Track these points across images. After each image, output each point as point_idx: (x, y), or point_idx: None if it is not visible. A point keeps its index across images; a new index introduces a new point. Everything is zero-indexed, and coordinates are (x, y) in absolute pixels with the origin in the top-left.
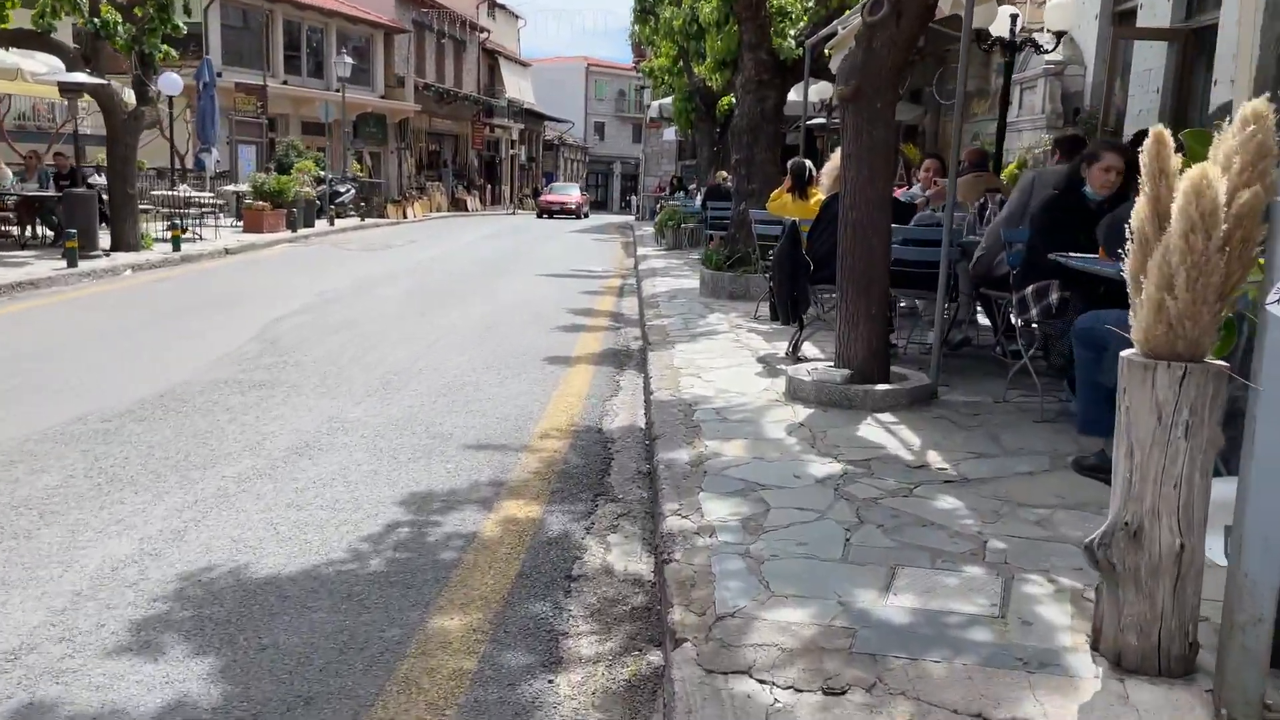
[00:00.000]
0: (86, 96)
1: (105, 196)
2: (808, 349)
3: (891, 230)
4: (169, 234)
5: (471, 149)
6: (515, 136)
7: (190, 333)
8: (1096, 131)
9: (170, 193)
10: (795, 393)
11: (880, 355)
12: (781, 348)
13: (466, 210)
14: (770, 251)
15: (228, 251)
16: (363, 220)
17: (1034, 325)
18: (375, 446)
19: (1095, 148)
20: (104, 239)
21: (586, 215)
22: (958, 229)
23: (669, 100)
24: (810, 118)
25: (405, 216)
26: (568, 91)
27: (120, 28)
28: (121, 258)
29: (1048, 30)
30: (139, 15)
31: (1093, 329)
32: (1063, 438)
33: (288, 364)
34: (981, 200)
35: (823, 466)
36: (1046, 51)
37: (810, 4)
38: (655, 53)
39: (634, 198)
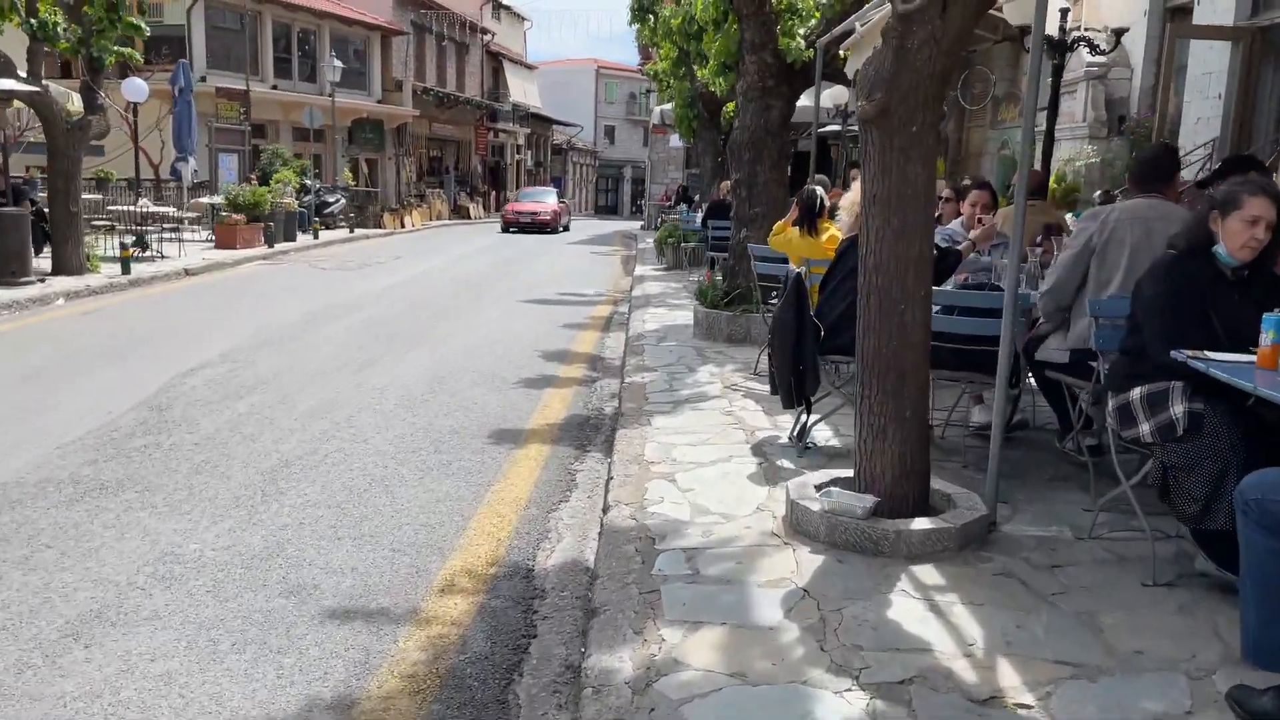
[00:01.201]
0: (16, 103)
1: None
2: (820, 431)
3: (932, 296)
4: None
5: (475, 154)
6: (521, 141)
7: (74, 390)
8: (1150, 140)
9: (128, 208)
10: (800, 524)
11: (917, 475)
12: (785, 423)
13: (469, 218)
14: (773, 297)
15: (187, 273)
16: (351, 232)
17: (1147, 445)
18: (195, 619)
19: (1235, 190)
20: (48, 262)
21: (565, 228)
22: (1023, 293)
23: (671, 106)
24: (823, 124)
25: (402, 226)
26: (578, 94)
27: (62, 29)
28: (59, 284)
29: (1105, 27)
30: (88, 15)
31: (1276, 501)
32: (1198, 623)
33: (160, 448)
34: (1039, 240)
35: (838, 701)
36: (1103, 51)
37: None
38: (658, 55)
39: (644, 203)
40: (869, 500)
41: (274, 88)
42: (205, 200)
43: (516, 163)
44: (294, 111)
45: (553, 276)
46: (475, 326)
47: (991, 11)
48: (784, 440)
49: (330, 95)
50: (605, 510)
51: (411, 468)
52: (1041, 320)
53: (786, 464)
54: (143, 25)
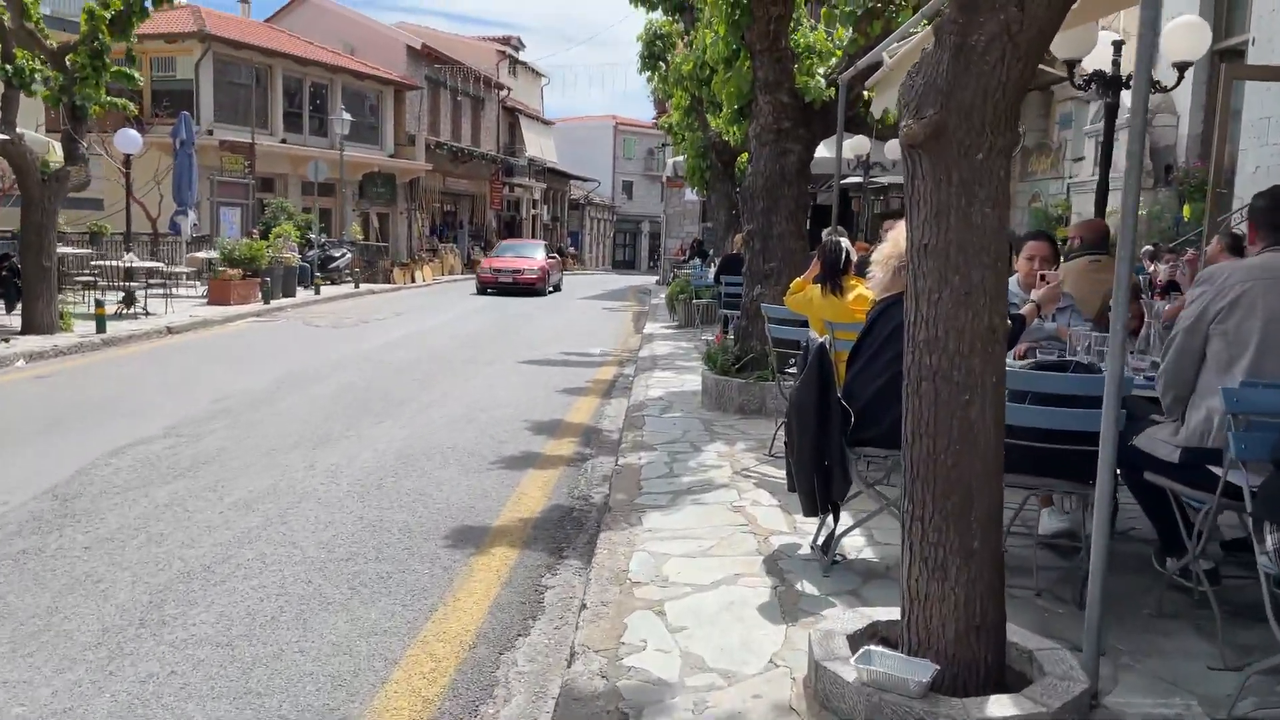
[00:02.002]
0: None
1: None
2: (853, 539)
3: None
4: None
5: (490, 209)
6: (537, 196)
7: None
8: (1206, 193)
9: (111, 263)
10: (828, 697)
11: (990, 630)
12: (806, 526)
13: None
14: (790, 364)
15: (170, 331)
16: (356, 287)
17: None
18: None
19: None
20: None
21: (556, 288)
22: (1126, 375)
23: (683, 159)
24: (844, 175)
25: (412, 281)
26: (596, 150)
27: (40, 76)
28: (25, 343)
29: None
30: (72, 63)
31: None
32: None
33: (42, 553)
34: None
35: None
36: (1165, 89)
37: (847, 36)
38: (670, 105)
39: (660, 257)
40: (925, 670)
41: (283, 141)
42: (201, 255)
43: (532, 217)
44: (303, 165)
45: (558, 334)
46: (463, 393)
47: None
48: (805, 550)
49: (339, 148)
50: (570, 659)
51: (341, 583)
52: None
53: (809, 588)
54: (135, 74)
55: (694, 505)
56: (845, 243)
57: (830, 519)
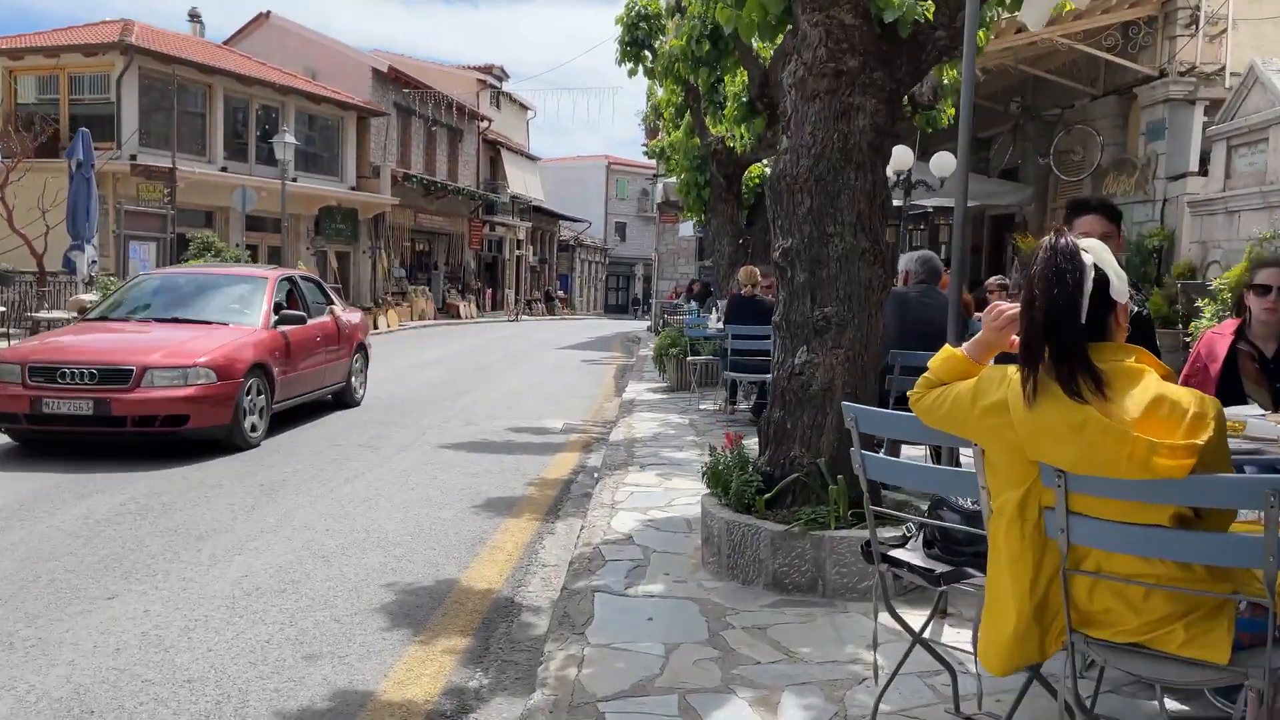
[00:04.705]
0: None
1: None
2: None
3: None
4: None
5: (468, 249)
6: (522, 236)
7: None
8: None
9: None
10: None
11: None
12: None
13: (459, 317)
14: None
15: None
16: None
17: None
18: None
19: None
20: None
21: (354, 401)
22: None
23: (674, 180)
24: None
25: (375, 327)
26: (588, 191)
27: None
28: None
29: None
30: None
31: None
32: None
33: None
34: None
35: None
36: None
37: None
38: (661, 99)
39: (654, 301)
40: None
41: (223, 169)
42: (86, 297)
43: (517, 258)
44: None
45: (516, 397)
46: (314, 516)
47: (1084, 46)
48: None
49: (283, 178)
50: None
51: None
52: None
53: None
54: None
55: None
56: (1094, 259)
57: None
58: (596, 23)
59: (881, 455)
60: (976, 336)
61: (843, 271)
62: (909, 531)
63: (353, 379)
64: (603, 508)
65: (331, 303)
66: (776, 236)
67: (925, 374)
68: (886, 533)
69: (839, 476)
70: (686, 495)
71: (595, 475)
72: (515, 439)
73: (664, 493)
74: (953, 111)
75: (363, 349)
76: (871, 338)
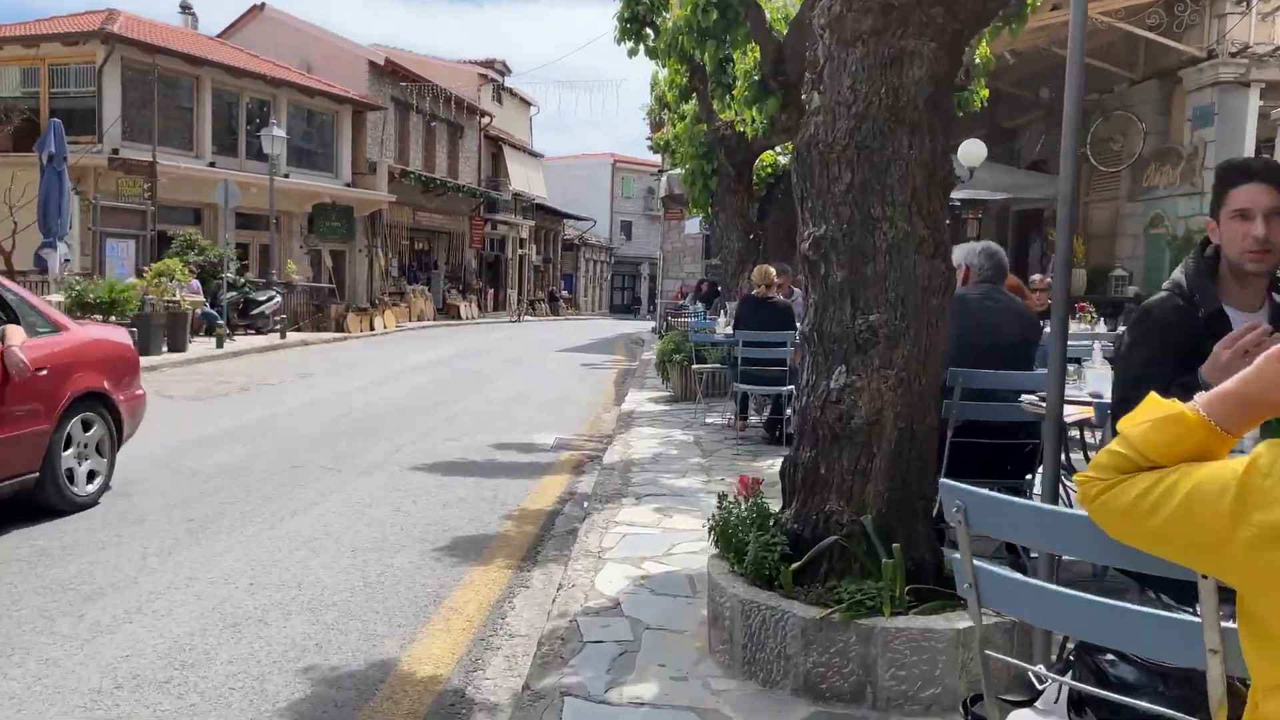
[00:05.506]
0: None
1: None
2: None
3: None
4: None
5: (469, 247)
6: (525, 234)
7: None
8: None
9: None
10: None
11: None
12: None
13: (459, 318)
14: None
15: None
16: (283, 337)
17: None
18: None
19: None
20: None
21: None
22: None
23: (679, 171)
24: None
25: (371, 329)
26: (593, 189)
27: None
28: None
29: None
30: None
31: None
32: None
33: None
34: None
35: None
36: None
37: None
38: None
39: (658, 301)
40: None
41: (211, 164)
42: (54, 298)
43: (519, 257)
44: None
45: (506, 406)
46: (241, 566)
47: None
48: None
49: (271, 173)
50: None
51: None
52: None
53: None
54: None
55: None
56: None
57: None
58: (604, 23)
59: (998, 568)
60: (1227, 386)
61: (893, 267)
62: (1041, 675)
63: (60, 464)
64: (587, 556)
65: (7, 321)
66: (805, 222)
67: (1113, 446)
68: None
69: (893, 544)
70: (689, 539)
71: (584, 505)
72: (499, 458)
73: (662, 535)
74: (986, 93)
75: (103, 406)
76: (931, 354)
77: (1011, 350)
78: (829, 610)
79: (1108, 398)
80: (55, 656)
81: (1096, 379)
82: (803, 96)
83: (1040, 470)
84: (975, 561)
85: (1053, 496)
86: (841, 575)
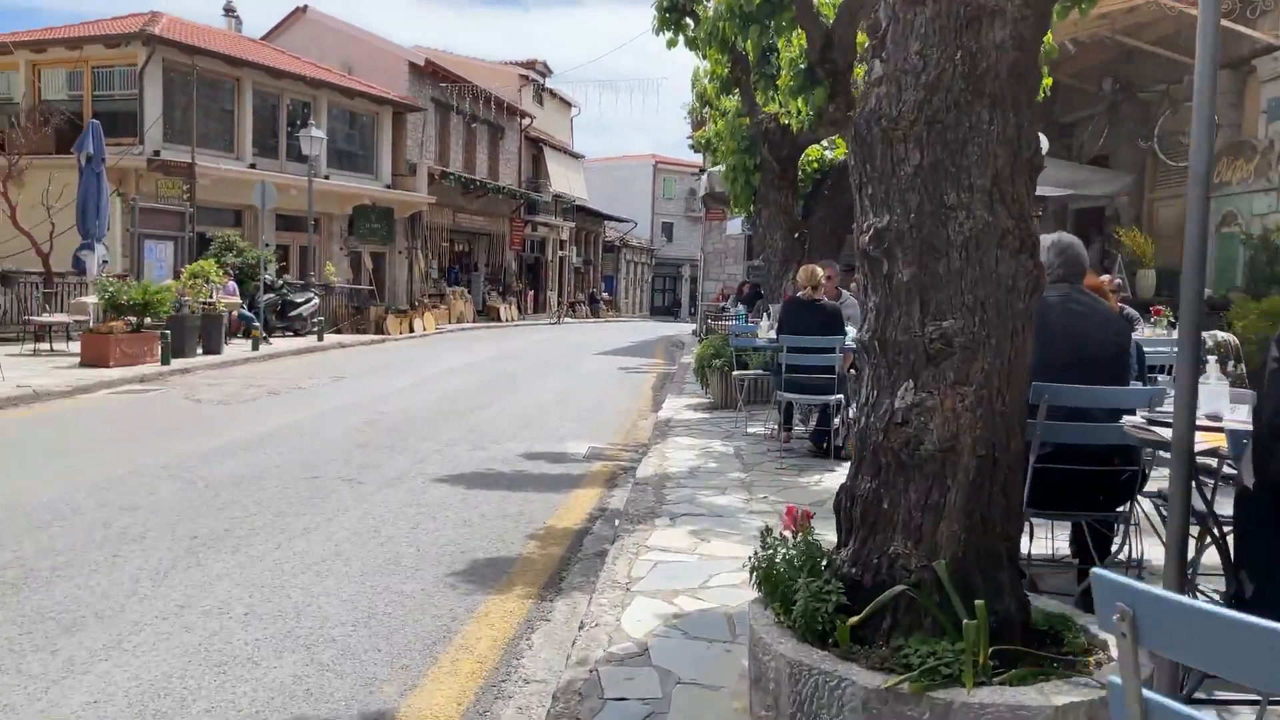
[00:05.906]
0: None
1: None
2: None
3: None
4: None
5: (509, 249)
6: (565, 236)
7: None
8: None
9: None
10: None
11: None
12: None
13: (499, 319)
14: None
15: None
16: (320, 339)
17: None
18: None
19: None
20: None
21: None
22: None
23: (719, 169)
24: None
25: (410, 331)
26: (634, 191)
27: None
28: None
29: None
30: None
31: None
32: None
33: None
34: None
35: None
36: None
37: None
38: (704, 78)
39: (699, 303)
40: None
41: (252, 166)
42: (88, 300)
43: (560, 259)
44: (279, 195)
45: (540, 411)
46: (239, 592)
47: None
48: None
49: (309, 175)
50: None
51: None
52: None
53: None
54: None
55: None
56: None
57: None
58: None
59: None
60: None
61: (971, 264)
62: None
63: None
64: (614, 588)
65: None
66: (864, 212)
67: None
68: None
69: (974, 598)
70: (728, 569)
71: (615, 523)
72: (528, 469)
73: (698, 563)
74: (1049, 82)
75: None
76: (1016, 367)
77: (1103, 362)
78: (898, 679)
79: (1229, 419)
80: (15, 702)
81: (1211, 396)
82: (854, 78)
83: (1137, 500)
84: (1147, 694)
85: (1179, 555)
86: (909, 631)
